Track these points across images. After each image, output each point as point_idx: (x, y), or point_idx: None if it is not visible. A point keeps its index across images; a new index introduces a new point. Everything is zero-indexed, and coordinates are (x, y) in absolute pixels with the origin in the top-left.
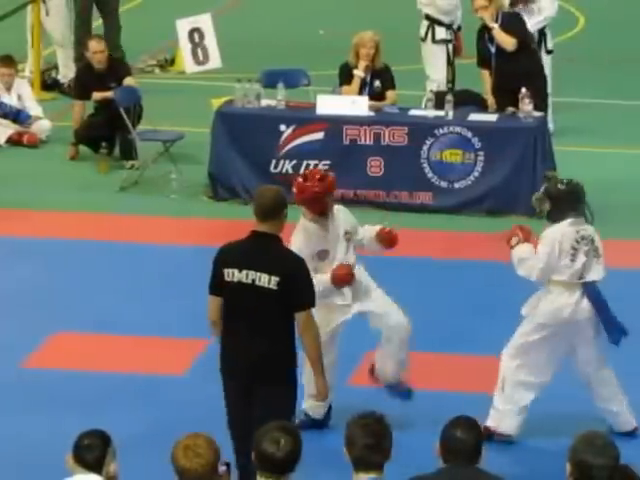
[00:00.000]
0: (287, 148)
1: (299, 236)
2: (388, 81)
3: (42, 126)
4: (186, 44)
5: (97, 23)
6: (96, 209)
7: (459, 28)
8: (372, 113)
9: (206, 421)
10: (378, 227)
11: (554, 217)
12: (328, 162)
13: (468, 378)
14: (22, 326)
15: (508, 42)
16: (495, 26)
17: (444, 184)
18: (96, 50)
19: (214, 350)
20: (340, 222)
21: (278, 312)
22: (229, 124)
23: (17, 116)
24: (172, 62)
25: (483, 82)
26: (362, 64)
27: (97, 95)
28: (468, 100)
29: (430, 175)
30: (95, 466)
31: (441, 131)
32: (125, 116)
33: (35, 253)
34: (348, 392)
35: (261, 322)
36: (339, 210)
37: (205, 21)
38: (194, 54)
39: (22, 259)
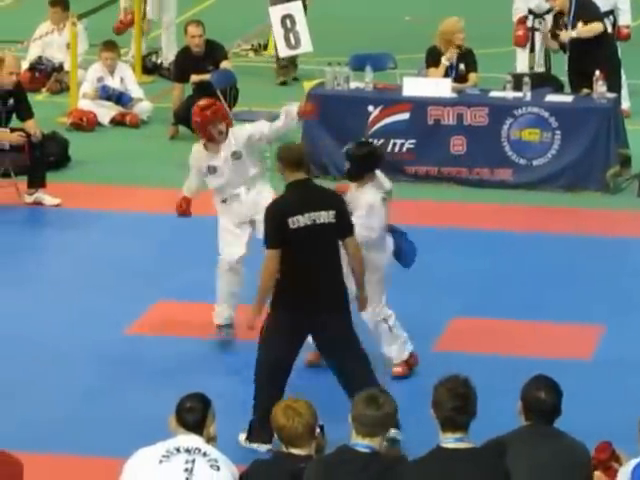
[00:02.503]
0: (375, 128)
1: (193, 150)
2: (471, 64)
3: (143, 107)
4: (279, 29)
5: (190, 14)
6: None
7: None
8: (455, 95)
9: (301, 385)
10: (294, 107)
11: (354, 176)
12: (413, 141)
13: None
14: (127, 295)
15: (595, 29)
16: (574, 34)
17: (523, 161)
18: (194, 34)
19: None
20: (231, 143)
21: (335, 243)
22: (320, 105)
23: (120, 98)
24: (265, 47)
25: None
26: (453, 50)
27: (195, 77)
28: (545, 82)
29: (510, 153)
30: (196, 427)
31: (520, 111)
32: (222, 97)
33: (138, 226)
34: (433, 358)
35: (324, 256)
36: (232, 133)
37: (296, 8)
38: (286, 39)
39: (126, 232)
